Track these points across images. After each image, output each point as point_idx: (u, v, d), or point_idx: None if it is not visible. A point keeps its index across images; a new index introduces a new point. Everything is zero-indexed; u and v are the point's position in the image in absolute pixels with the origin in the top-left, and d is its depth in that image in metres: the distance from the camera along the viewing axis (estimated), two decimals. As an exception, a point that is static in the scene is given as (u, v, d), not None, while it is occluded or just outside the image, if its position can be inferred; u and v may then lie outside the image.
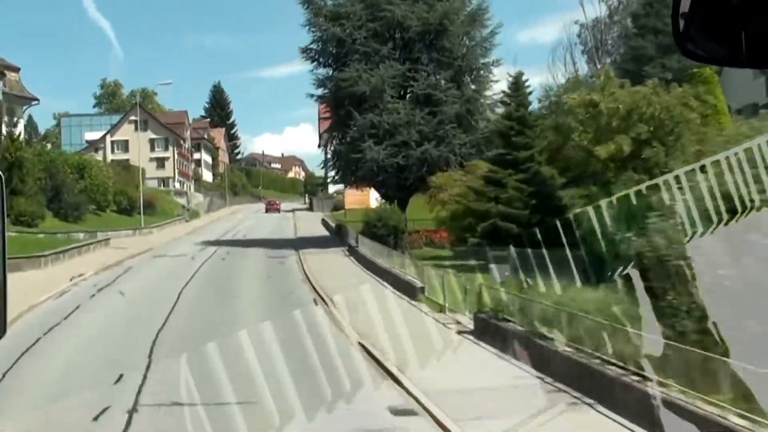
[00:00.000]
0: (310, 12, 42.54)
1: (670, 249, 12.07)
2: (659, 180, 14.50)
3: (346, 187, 76.19)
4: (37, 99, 65.80)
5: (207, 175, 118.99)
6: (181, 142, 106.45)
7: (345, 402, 11.13)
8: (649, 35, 58.54)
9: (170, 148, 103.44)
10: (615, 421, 10.20)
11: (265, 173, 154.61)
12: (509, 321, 15.22)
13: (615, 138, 25.81)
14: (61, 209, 55.97)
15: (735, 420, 8.54)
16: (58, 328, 18.72)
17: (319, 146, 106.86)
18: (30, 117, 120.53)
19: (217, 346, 12.08)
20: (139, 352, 15.13)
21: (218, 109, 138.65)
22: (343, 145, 42.27)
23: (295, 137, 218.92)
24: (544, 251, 19.21)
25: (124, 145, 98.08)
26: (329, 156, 46.83)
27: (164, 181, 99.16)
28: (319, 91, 44.53)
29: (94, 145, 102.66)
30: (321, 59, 43.90)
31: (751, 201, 11.35)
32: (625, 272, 15.14)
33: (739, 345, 9.51)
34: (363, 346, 16.10)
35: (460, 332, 16.95)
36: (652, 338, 10.76)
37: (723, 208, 11.49)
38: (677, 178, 13.48)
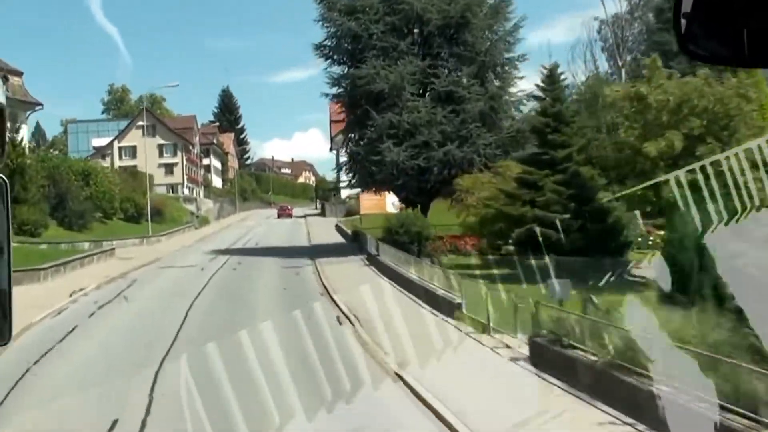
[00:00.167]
0: (323, 7, 40.17)
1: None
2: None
3: (362, 191, 74.13)
4: (40, 104, 63.68)
5: (216, 181, 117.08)
6: (190, 147, 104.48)
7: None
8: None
9: (179, 153, 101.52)
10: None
11: (275, 178, 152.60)
12: (578, 349, 12.74)
13: (665, 134, 23.30)
14: (65, 218, 53.97)
15: None
16: (47, 359, 16.33)
17: (330, 150, 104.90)
18: (38, 124, 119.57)
19: (231, 385, 10.40)
20: (138, 393, 12.72)
21: (227, 113, 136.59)
22: (361, 146, 39.86)
23: (304, 142, 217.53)
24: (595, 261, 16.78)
25: (132, 151, 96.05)
26: (345, 159, 44.36)
27: (173, 187, 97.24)
28: (334, 90, 42.12)
29: (102, 152, 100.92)
30: (335, 56, 41.56)
31: None
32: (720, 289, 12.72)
33: None
34: (402, 379, 13.68)
35: (513, 359, 14.48)
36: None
37: None
38: None
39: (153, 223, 62.57)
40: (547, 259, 25.44)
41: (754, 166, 13.16)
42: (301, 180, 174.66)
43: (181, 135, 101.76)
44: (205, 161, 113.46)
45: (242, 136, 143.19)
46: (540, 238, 26.03)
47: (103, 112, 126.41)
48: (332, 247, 44.45)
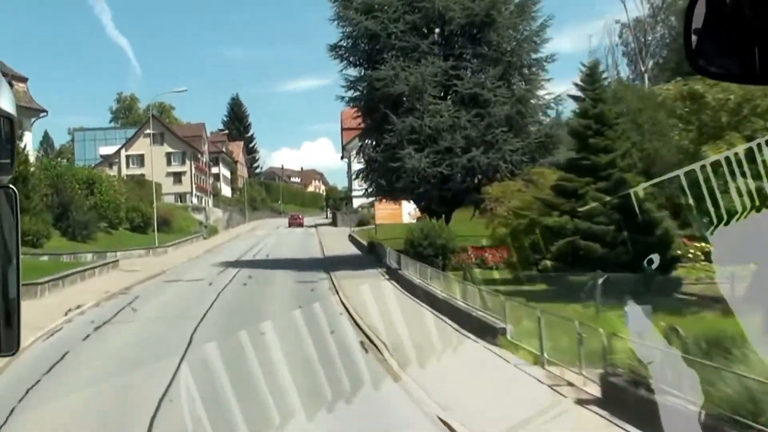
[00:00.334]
0: (339, 5, 37.88)
1: None
2: None
3: (376, 200, 71.80)
4: (45, 111, 61.73)
5: (226, 190, 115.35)
6: (199, 155, 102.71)
7: None
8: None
9: (187, 162, 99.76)
10: None
11: (285, 187, 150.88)
12: (670, 394, 10.29)
13: (725, 136, 20.81)
14: (68, 228, 52.03)
15: None
16: (26, 402, 13.91)
17: (342, 158, 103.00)
18: (46, 133, 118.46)
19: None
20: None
21: (236, 122, 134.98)
22: (379, 153, 37.48)
23: (313, 152, 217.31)
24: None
25: (140, 160, 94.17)
26: (361, 166, 41.97)
27: (181, 196, 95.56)
28: (349, 94, 39.80)
29: (109, 160, 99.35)
30: (351, 58, 39.27)
31: None
32: None
33: None
34: (448, 427, 11.28)
35: (581, 402, 12.03)
36: None
37: None
38: None
39: (160, 233, 60.38)
40: (587, 275, 23.15)
41: None
42: (310, 189, 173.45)
43: (189, 143, 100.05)
44: (214, 170, 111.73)
45: (252, 145, 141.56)
46: (581, 252, 23.75)
47: (111, 121, 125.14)
48: (347, 259, 42.06)
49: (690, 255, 26.52)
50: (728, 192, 19.91)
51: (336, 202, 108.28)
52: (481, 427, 10.93)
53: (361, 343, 18.68)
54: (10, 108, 2.05)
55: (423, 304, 23.16)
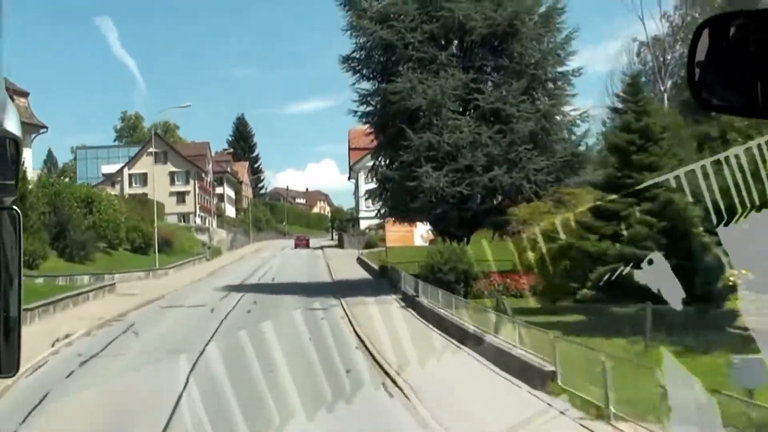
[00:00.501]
0: (353, 14, 35.66)
1: None
2: None
3: (383, 221, 69.37)
4: (45, 127, 59.79)
5: (230, 211, 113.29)
6: (203, 175, 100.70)
7: None
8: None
9: (191, 181, 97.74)
10: None
11: (290, 208, 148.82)
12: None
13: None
14: (66, 248, 49.59)
15: None
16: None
17: (349, 179, 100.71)
18: (50, 151, 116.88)
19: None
20: None
21: (241, 141, 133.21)
22: (394, 171, 35.11)
23: (318, 173, 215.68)
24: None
25: (143, 179, 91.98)
26: (373, 186, 39.55)
27: (185, 216, 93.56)
28: (362, 109, 37.44)
29: (112, 179, 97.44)
30: (365, 71, 37.02)
31: None
32: None
33: None
34: None
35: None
36: None
37: None
38: None
39: (161, 254, 58.05)
40: (632, 306, 20.72)
41: None
42: (315, 210, 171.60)
43: (193, 162, 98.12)
44: (219, 190, 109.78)
45: (257, 165, 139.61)
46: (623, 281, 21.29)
47: (115, 140, 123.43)
48: (358, 284, 39.62)
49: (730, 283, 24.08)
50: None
51: (342, 224, 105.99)
52: None
53: (383, 385, 16.26)
54: (15, 130, 2.06)
55: (445, 336, 20.71)
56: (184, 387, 16.06)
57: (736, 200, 17.90)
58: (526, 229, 26.24)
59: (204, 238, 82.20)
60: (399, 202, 35.39)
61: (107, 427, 13.07)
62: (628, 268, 21.71)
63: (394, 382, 16.35)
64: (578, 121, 35.68)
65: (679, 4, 66.98)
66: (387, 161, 36.91)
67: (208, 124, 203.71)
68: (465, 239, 34.00)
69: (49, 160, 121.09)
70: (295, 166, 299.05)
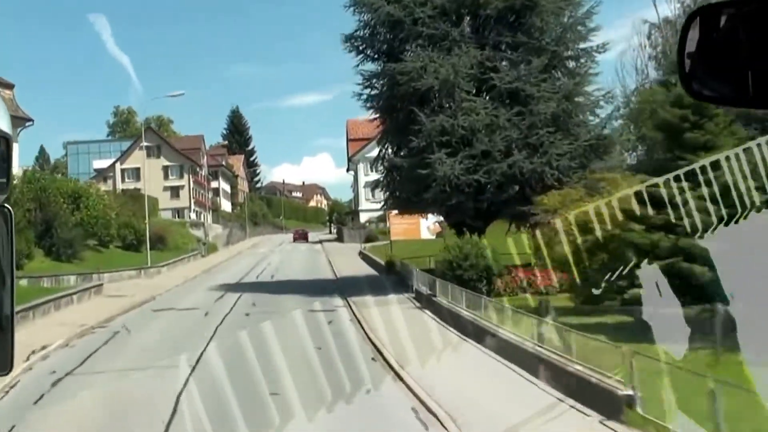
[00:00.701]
0: (355, -11, 32.74)
1: None
2: None
3: (386, 213, 66.57)
4: (31, 120, 56.78)
5: (225, 205, 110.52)
6: (197, 169, 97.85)
7: None
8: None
9: (185, 175, 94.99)
10: None
11: (287, 202, 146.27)
12: None
13: None
14: (53, 246, 46.70)
15: None
16: None
17: (348, 170, 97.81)
18: (42, 148, 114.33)
19: None
20: None
21: (236, 135, 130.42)
22: (403, 158, 32.22)
23: (313, 167, 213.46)
24: None
25: (136, 173, 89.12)
26: (378, 176, 36.59)
27: (179, 211, 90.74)
28: (366, 92, 34.47)
29: (104, 174, 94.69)
30: (369, 50, 34.10)
31: None
32: None
33: None
34: None
35: None
36: None
37: None
38: None
39: (154, 251, 55.18)
40: (694, 307, 17.94)
41: None
42: (312, 204, 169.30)
43: (187, 156, 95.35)
44: (214, 184, 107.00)
45: (252, 158, 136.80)
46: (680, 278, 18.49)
47: (108, 135, 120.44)
48: (364, 281, 36.67)
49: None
50: None
51: (341, 217, 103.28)
52: None
53: (414, 410, 13.44)
54: (5, 127, 2.04)
55: (471, 341, 17.86)
56: (172, 415, 13.27)
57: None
58: (555, 218, 23.37)
59: (199, 233, 79.45)
60: (409, 192, 32.53)
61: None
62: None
63: (425, 405, 13.54)
64: (601, 102, 32.80)
65: (691, -15, 63.95)
66: (395, 148, 34.04)
67: (202, 119, 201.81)
68: (480, 232, 31.16)
69: (41, 156, 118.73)
70: (291, 160, 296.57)
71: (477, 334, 18.16)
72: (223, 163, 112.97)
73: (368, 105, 34.62)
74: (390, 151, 34.97)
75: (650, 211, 19.30)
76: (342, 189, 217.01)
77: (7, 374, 2.14)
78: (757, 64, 2.11)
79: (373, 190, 40.08)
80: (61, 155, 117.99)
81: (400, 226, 50.57)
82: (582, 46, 32.25)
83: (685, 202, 18.46)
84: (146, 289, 38.32)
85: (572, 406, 12.09)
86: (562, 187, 28.67)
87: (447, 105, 30.73)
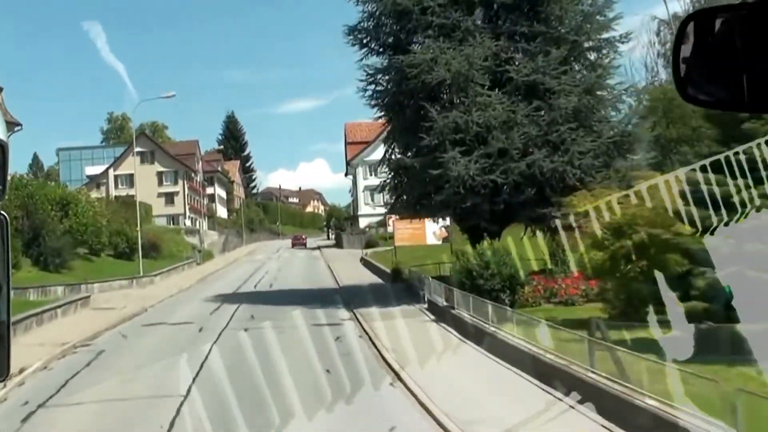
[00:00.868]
0: (359, -23, 30.43)
1: None
2: None
3: (386, 218, 64.22)
4: (20, 124, 54.38)
5: (221, 211, 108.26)
6: (192, 175, 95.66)
7: None
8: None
9: (180, 181, 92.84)
10: None
11: (283, 208, 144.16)
12: None
13: None
14: (40, 255, 44.37)
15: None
16: None
17: (346, 175, 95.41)
18: (35, 155, 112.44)
19: None
20: None
21: (232, 140, 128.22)
22: (413, 158, 29.87)
23: (309, 172, 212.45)
24: None
25: (129, 180, 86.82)
26: (382, 178, 34.14)
27: (174, 218, 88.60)
28: (371, 88, 32.09)
29: (96, 180, 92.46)
30: (374, 44, 31.80)
31: None
32: None
33: None
34: None
35: None
36: None
37: None
38: None
39: (147, 259, 52.94)
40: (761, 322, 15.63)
41: None
42: (309, 209, 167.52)
43: (182, 162, 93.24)
44: (209, 190, 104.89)
45: (248, 164, 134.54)
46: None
47: (102, 142, 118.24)
48: (369, 291, 34.06)
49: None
50: None
51: (340, 222, 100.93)
52: None
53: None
54: (1, 134, 2.03)
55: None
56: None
57: None
58: (588, 221, 21.04)
59: (194, 240, 77.19)
60: (418, 194, 30.20)
61: None
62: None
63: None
64: (624, 97, 30.54)
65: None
66: (402, 148, 31.72)
67: (197, 126, 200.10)
68: (495, 236, 28.84)
69: (35, 164, 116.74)
70: (287, 165, 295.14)
71: (499, 349, 15.65)
72: (219, 168, 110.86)
73: (372, 103, 32.27)
74: (397, 151, 32.64)
75: (703, 212, 17.00)
76: (339, 194, 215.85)
77: (3, 380, 2.13)
78: (752, 69, 2.10)
79: (378, 193, 37.61)
80: (54, 162, 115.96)
81: (405, 231, 48.18)
82: (605, 35, 29.91)
83: (744, 202, 16.18)
84: (137, 300, 35.95)
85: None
86: (585, 187, 26.37)
87: (459, 100, 28.44)
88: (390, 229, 63.52)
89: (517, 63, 28.73)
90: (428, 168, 27.84)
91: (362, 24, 31.42)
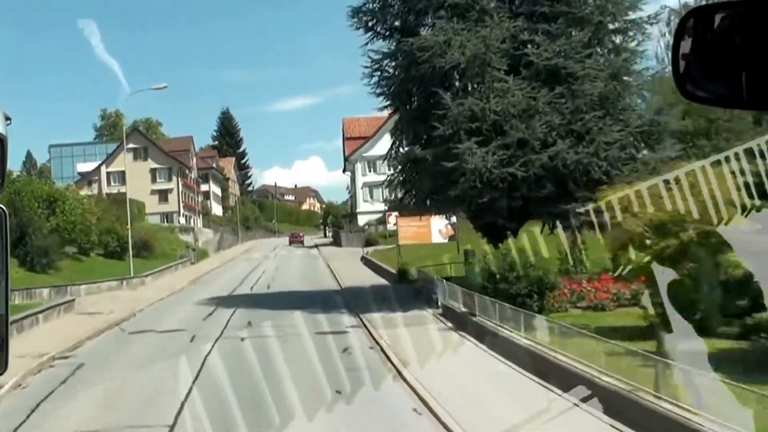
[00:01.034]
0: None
1: None
2: None
3: (385, 215, 61.92)
4: (9, 118, 51.61)
5: (216, 209, 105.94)
6: (187, 171, 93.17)
7: None
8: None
9: (174, 178, 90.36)
10: None
11: (279, 205, 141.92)
12: None
13: None
14: (27, 255, 42.04)
15: None
16: None
17: (344, 171, 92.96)
18: (29, 153, 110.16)
19: None
20: None
21: (227, 137, 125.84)
22: (424, 149, 27.50)
23: (304, 170, 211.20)
24: None
25: (122, 177, 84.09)
26: (395, 170, 31.67)
27: (168, 216, 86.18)
28: (376, 75, 29.70)
29: (88, 177, 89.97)
30: (380, 27, 29.44)
31: None
32: None
33: None
34: None
35: None
36: None
37: None
38: None
39: (139, 259, 50.57)
40: None
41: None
42: (305, 207, 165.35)
43: (176, 158, 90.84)
44: (204, 187, 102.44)
45: (244, 161, 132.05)
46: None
47: (95, 138, 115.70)
48: (375, 293, 31.60)
49: None
50: None
51: (337, 220, 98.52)
52: None
53: None
54: (0, 128, 2.00)
55: (543, 383, 13.03)
56: None
57: None
58: (625, 217, 18.75)
59: (189, 238, 74.83)
60: (430, 189, 27.85)
61: None
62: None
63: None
64: (648, 81, 28.26)
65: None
66: (410, 139, 29.36)
67: (192, 123, 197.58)
68: (513, 234, 26.51)
69: (28, 161, 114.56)
70: (282, 163, 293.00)
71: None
72: (214, 165, 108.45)
73: (378, 91, 29.87)
74: (405, 142, 30.30)
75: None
76: (335, 192, 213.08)
77: (1, 374, 2.03)
78: (751, 66, 2.08)
79: (384, 188, 35.10)
80: (47, 159, 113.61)
81: (409, 228, 45.76)
82: (631, 16, 27.58)
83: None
84: (126, 303, 33.61)
85: None
86: (611, 181, 24.14)
87: (474, 86, 26.13)
88: (390, 226, 61.22)
89: (537, 46, 26.40)
90: (441, 160, 25.50)
91: (367, 5, 29.07)
